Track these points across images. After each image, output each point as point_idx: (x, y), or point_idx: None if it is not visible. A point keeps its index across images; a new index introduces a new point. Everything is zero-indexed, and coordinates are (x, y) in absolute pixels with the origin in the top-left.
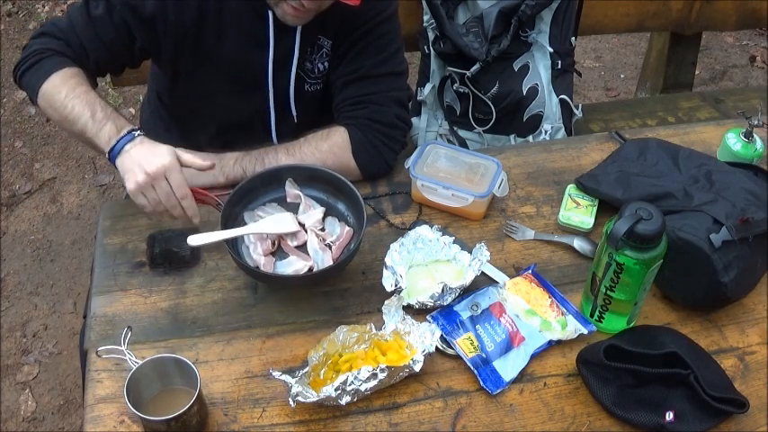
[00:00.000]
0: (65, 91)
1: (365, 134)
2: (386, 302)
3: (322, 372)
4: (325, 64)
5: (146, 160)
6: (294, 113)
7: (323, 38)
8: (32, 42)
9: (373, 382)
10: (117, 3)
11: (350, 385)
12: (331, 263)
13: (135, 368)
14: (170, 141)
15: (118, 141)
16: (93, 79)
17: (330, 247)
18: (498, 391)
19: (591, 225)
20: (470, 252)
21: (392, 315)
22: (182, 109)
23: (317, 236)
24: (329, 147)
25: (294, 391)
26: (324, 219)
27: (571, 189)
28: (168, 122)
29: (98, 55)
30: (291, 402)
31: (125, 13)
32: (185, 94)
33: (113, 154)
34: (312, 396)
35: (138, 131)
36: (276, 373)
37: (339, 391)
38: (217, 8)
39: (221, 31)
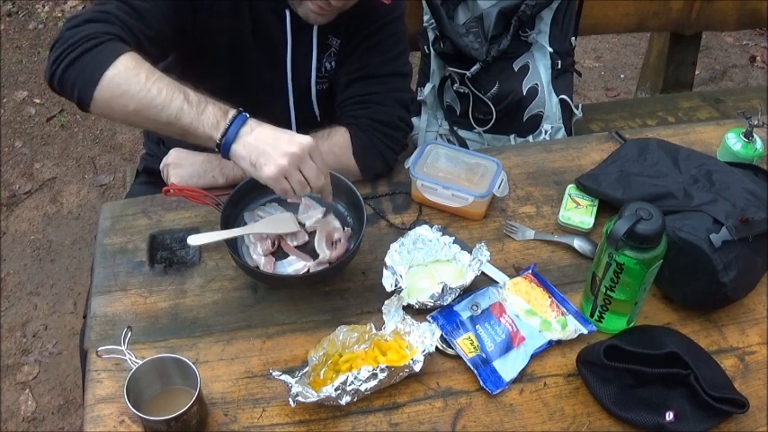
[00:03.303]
0: (144, 73)
1: (366, 134)
2: (386, 302)
3: (322, 372)
4: (333, 63)
5: (284, 141)
6: (317, 113)
7: (332, 37)
8: (73, 32)
9: (373, 382)
10: None
11: (350, 385)
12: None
13: (135, 368)
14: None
15: (231, 124)
16: None
17: (336, 245)
18: (498, 391)
19: (591, 225)
20: (470, 252)
21: (392, 315)
22: None
23: (327, 233)
24: (329, 147)
25: (294, 391)
26: (324, 218)
27: (571, 189)
28: None
29: (155, 36)
30: (291, 402)
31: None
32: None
33: (228, 139)
34: (312, 396)
35: (245, 111)
36: (276, 373)
37: (339, 391)
38: (247, 7)
39: (248, 31)
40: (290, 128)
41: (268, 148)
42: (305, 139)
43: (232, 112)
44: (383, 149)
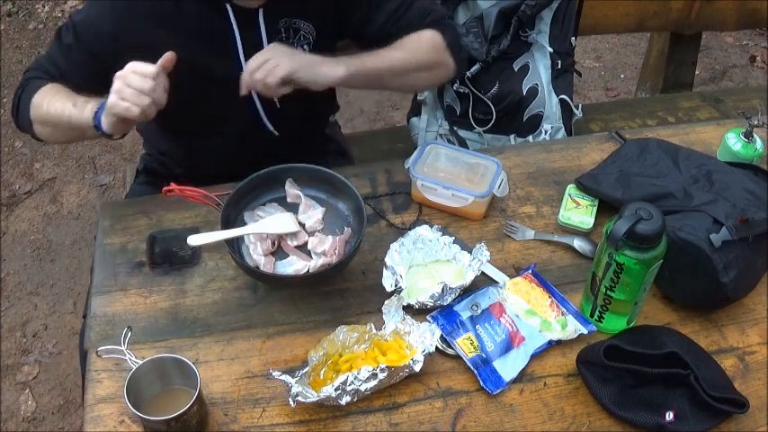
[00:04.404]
0: (46, 100)
1: (446, 31)
2: (386, 302)
3: (322, 372)
4: (305, 47)
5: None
6: (276, 99)
7: (299, 20)
8: (19, 87)
9: (373, 382)
10: (81, 27)
11: (350, 385)
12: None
13: (135, 368)
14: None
15: (101, 106)
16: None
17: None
18: (498, 391)
19: (591, 225)
20: (470, 252)
21: (392, 315)
22: (174, 118)
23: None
24: (419, 43)
25: (294, 391)
26: (323, 218)
27: (571, 189)
28: (167, 129)
29: (76, 79)
30: (291, 402)
31: (89, 36)
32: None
33: (98, 116)
34: (312, 396)
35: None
36: (276, 373)
37: (339, 391)
38: (174, 12)
39: (183, 35)
40: (259, 118)
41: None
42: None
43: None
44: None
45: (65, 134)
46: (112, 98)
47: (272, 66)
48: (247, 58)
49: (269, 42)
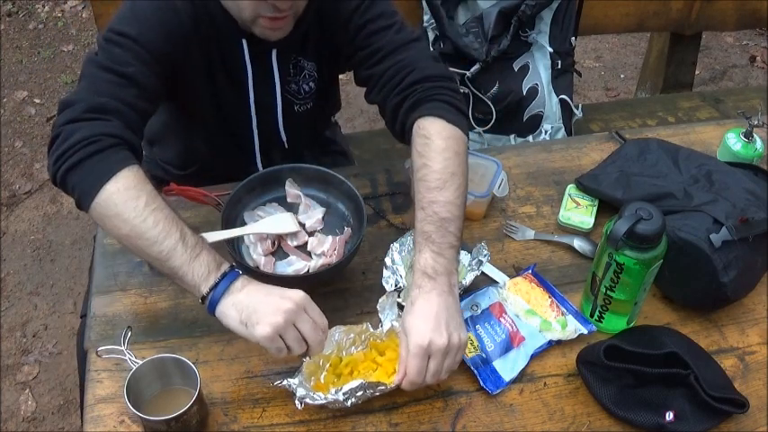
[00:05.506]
0: (144, 198)
1: (441, 102)
2: (380, 301)
3: (322, 376)
4: (311, 84)
5: (275, 296)
6: (284, 138)
7: (303, 59)
8: (71, 129)
9: (381, 386)
10: (134, 29)
11: (359, 391)
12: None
13: (135, 368)
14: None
15: (222, 278)
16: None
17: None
18: (498, 391)
19: (591, 225)
20: (470, 252)
21: (386, 313)
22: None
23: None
24: (447, 144)
25: (300, 393)
26: (323, 218)
27: (571, 189)
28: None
29: (145, 115)
30: (299, 405)
31: (153, 57)
32: (181, 126)
33: (216, 294)
34: (320, 399)
35: (237, 268)
36: (277, 381)
37: (347, 395)
38: (206, 47)
39: (209, 65)
40: (253, 153)
41: (260, 306)
42: (298, 294)
43: (225, 266)
44: (459, 105)
45: (137, 251)
46: (267, 329)
47: (450, 363)
48: (257, 92)
49: (280, 79)
